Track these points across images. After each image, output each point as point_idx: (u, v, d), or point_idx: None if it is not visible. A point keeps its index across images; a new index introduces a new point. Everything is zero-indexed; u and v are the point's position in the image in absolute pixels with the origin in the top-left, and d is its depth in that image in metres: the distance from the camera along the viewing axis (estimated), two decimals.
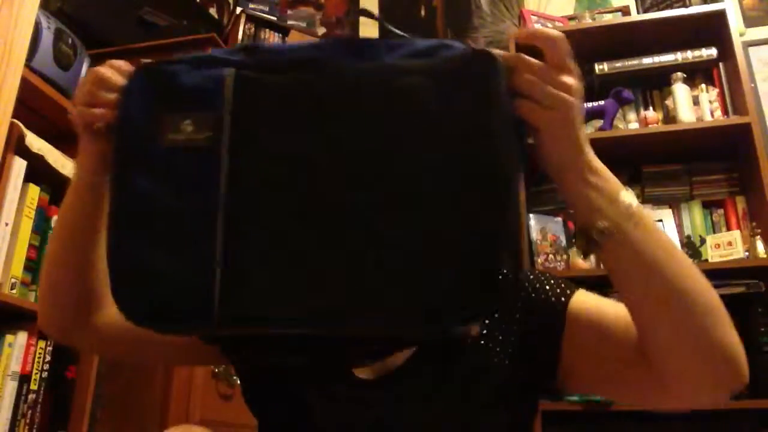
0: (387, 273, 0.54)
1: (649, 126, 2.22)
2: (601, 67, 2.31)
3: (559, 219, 2.28)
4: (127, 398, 1.83)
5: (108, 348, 0.87)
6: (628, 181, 2.26)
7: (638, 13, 2.50)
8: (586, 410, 1.93)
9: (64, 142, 1.57)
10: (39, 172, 1.49)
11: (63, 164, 1.59)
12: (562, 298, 0.73)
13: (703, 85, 2.27)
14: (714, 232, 2.16)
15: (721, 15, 2.21)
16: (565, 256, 2.19)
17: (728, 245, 2.05)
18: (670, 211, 2.23)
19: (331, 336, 0.59)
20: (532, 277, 0.78)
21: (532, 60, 0.58)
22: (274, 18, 2.74)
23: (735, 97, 2.20)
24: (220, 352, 0.83)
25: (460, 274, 0.53)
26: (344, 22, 2.89)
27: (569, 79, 0.58)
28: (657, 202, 2.26)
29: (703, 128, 2.14)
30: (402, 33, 0.63)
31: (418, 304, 0.54)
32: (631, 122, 2.32)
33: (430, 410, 0.72)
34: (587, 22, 2.41)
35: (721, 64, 2.27)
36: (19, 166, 1.44)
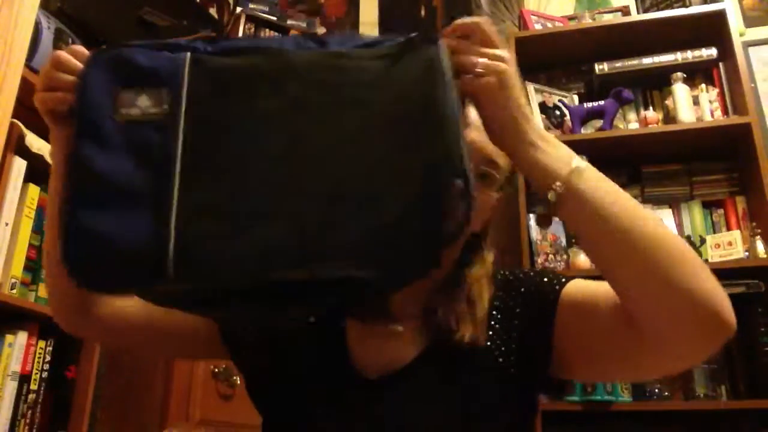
0: (339, 213, 0.57)
1: (649, 126, 2.22)
2: (601, 67, 2.31)
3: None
4: (127, 398, 1.83)
5: (113, 338, 0.91)
6: (628, 181, 2.26)
7: (638, 13, 2.50)
8: (586, 410, 1.92)
9: None
10: (39, 172, 1.48)
11: None
12: (556, 287, 0.75)
13: (703, 85, 2.27)
14: (714, 232, 2.16)
15: (721, 15, 2.21)
16: (565, 256, 2.19)
17: (728, 245, 2.06)
18: (670, 211, 2.23)
19: (292, 281, 0.59)
20: (531, 273, 0.80)
21: (462, 40, 0.64)
22: (274, 18, 2.75)
23: (735, 97, 2.20)
24: (220, 336, 0.83)
25: (409, 201, 0.56)
26: (344, 22, 2.89)
27: (498, 52, 0.63)
28: (657, 202, 2.25)
29: (703, 128, 2.14)
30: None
31: (372, 238, 0.56)
32: (631, 122, 2.31)
33: (433, 410, 0.73)
34: (587, 22, 2.41)
35: (721, 64, 2.27)
36: (19, 166, 1.44)
